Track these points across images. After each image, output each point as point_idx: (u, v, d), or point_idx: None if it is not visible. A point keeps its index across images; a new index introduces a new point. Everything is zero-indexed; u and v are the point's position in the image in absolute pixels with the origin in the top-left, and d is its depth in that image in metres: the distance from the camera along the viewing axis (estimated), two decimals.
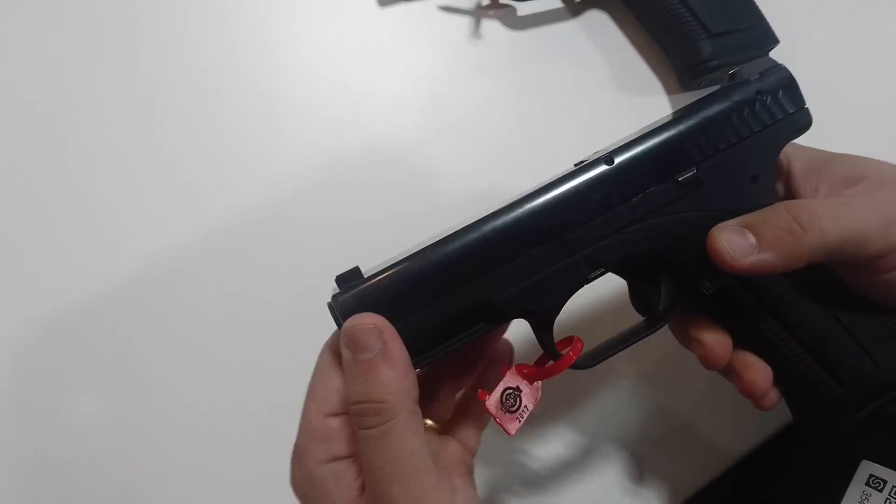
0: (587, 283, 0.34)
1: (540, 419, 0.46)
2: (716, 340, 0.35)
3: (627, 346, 0.36)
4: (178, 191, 0.49)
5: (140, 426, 0.45)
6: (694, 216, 0.34)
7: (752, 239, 0.31)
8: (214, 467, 0.45)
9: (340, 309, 0.31)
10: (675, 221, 0.34)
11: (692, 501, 0.45)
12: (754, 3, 0.51)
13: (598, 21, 0.55)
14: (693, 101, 0.34)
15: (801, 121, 0.35)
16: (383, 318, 0.30)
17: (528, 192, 0.33)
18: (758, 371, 0.36)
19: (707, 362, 0.36)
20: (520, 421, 0.33)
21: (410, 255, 0.32)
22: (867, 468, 0.36)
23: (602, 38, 0.55)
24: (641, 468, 0.46)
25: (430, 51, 0.54)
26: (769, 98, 0.34)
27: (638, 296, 0.38)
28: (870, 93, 0.53)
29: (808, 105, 0.34)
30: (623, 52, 0.55)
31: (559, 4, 0.55)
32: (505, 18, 0.55)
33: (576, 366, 0.34)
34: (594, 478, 0.45)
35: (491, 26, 0.55)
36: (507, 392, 0.34)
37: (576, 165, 0.34)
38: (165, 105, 0.51)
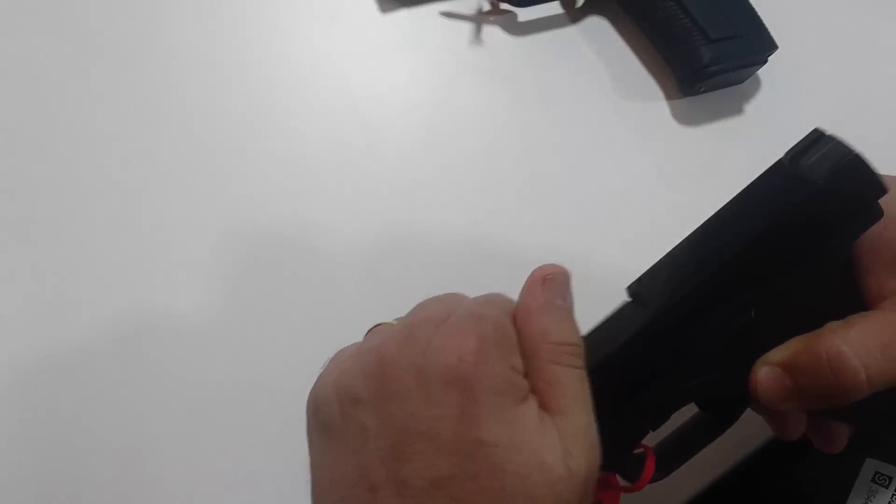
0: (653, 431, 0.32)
1: None
2: (788, 424, 0.34)
3: (703, 447, 0.33)
4: (176, 194, 0.50)
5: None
6: (755, 353, 0.30)
7: (788, 383, 0.30)
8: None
9: None
10: (734, 361, 0.30)
11: (696, 501, 0.45)
12: (753, 9, 0.51)
13: (598, 27, 0.56)
14: (746, 191, 0.30)
15: (872, 217, 0.29)
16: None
17: (593, 347, 0.29)
18: (837, 436, 0.34)
19: (782, 435, 0.35)
20: None
21: None
22: (872, 465, 0.36)
23: (602, 43, 0.55)
24: None
25: (432, 56, 0.54)
26: (840, 201, 0.28)
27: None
28: (870, 98, 0.54)
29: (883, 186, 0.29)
30: (623, 57, 0.55)
31: (559, 10, 0.56)
32: (506, 24, 0.55)
33: (654, 480, 0.32)
34: None
35: (492, 32, 0.55)
36: None
37: (628, 292, 0.31)
38: (164, 110, 0.52)
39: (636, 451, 0.32)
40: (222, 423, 0.45)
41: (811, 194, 0.28)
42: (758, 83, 0.54)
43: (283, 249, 0.49)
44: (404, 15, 0.55)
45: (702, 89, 0.52)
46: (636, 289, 0.31)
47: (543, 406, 0.27)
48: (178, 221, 0.49)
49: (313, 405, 0.29)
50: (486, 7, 0.55)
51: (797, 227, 0.28)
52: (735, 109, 0.54)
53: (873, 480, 0.36)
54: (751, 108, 0.54)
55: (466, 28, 0.55)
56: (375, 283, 0.47)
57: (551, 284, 0.29)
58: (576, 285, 0.30)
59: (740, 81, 0.54)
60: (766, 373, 0.30)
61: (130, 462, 0.43)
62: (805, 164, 0.28)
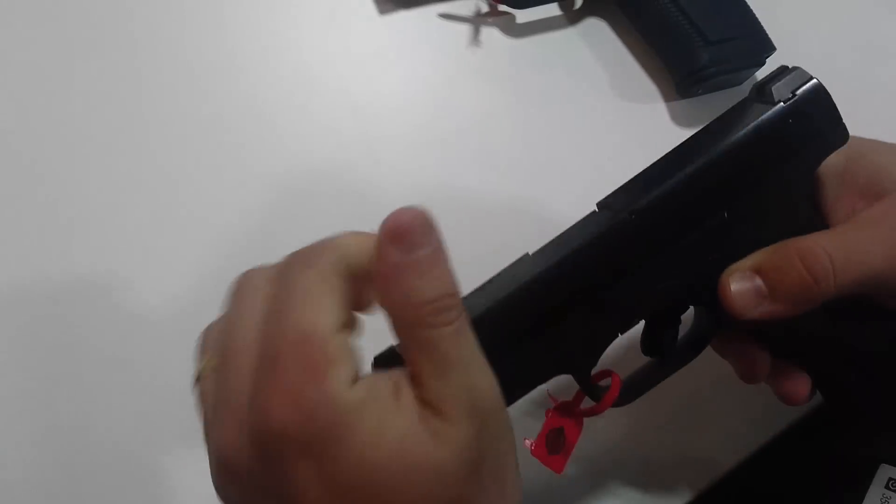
0: (621, 333, 0.33)
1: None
2: (752, 360, 0.35)
3: (663, 378, 0.35)
4: (174, 196, 0.50)
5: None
6: (724, 257, 0.32)
7: (762, 287, 0.31)
8: None
9: None
10: (705, 264, 0.32)
11: (699, 500, 0.44)
12: (751, 11, 0.51)
13: (596, 29, 0.56)
14: (715, 120, 0.32)
15: (837, 140, 0.32)
16: (424, 209, 0.26)
17: (553, 251, 0.30)
18: (798, 383, 0.35)
19: (745, 379, 0.36)
20: (566, 457, 0.33)
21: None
22: (886, 471, 0.36)
23: (600, 45, 0.55)
24: (647, 463, 0.45)
25: (430, 58, 0.54)
26: (800, 123, 0.31)
27: (652, 337, 0.36)
28: (868, 99, 0.54)
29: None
30: (621, 59, 0.55)
31: (558, 12, 0.56)
32: (504, 26, 0.55)
33: (616, 404, 0.33)
34: (591, 482, 0.46)
35: (490, 34, 0.55)
36: (551, 434, 0.33)
37: (598, 206, 0.32)
38: (162, 112, 0.52)
39: (602, 381, 0.33)
40: None
41: (775, 112, 0.31)
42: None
43: (279, 249, 0.49)
44: (402, 16, 0.55)
45: (699, 91, 0.52)
46: (606, 202, 0.32)
47: (419, 375, 0.25)
48: (174, 224, 0.49)
49: None
50: (485, 9, 0.55)
51: (763, 143, 0.31)
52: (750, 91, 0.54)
53: (887, 486, 0.36)
54: None
55: (465, 30, 0.55)
56: None
57: (403, 239, 0.25)
58: None
59: (738, 83, 0.54)
60: (737, 278, 0.31)
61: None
62: (769, 89, 0.32)
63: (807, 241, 0.31)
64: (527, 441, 0.33)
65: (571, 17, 0.56)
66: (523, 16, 0.55)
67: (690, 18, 0.50)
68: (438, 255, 0.25)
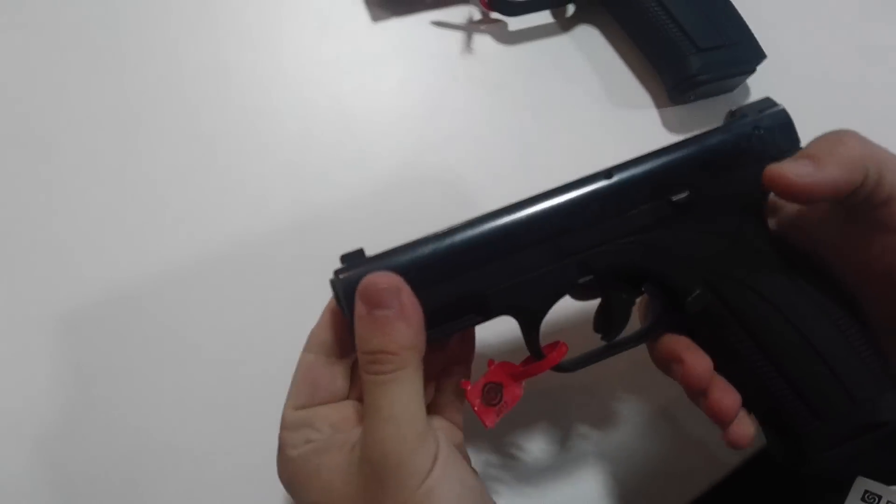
0: (575, 288, 0.36)
1: (527, 428, 0.46)
2: (696, 359, 0.36)
3: (610, 355, 0.38)
4: (169, 206, 0.50)
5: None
6: (684, 235, 0.35)
7: (809, 162, 0.32)
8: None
9: (342, 286, 0.33)
10: (664, 237, 0.35)
11: None
12: (742, 18, 0.52)
13: (588, 36, 0.56)
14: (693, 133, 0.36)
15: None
16: (400, 279, 0.32)
17: (531, 196, 0.35)
18: (726, 392, 0.35)
19: (687, 381, 0.36)
20: (498, 415, 0.35)
21: (413, 242, 0.34)
22: (862, 484, 0.36)
23: (592, 52, 0.56)
24: (628, 479, 0.46)
25: (423, 65, 0.55)
26: (765, 133, 0.35)
27: (605, 315, 0.39)
28: (858, 106, 0.54)
29: (802, 144, 0.35)
30: (613, 66, 0.55)
31: (550, 20, 0.56)
32: (497, 33, 0.56)
33: (558, 368, 0.36)
34: (580, 486, 0.46)
35: (483, 41, 0.55)
36: (489, 386, 0.35)
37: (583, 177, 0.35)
38: (156, 120, 0.52)
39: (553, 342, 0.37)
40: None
41: (744, 123, 0.36)
42: (746, 91, 0.55)
43: (277, 254, 0.49)
44: (395, 24, 0.55)
45: (691, 98, 0.53)
46: (608, 170, 0.35)
47: (361, 411, 0.32)
48: (167, 233, 0.49)
49: None
50: (477, 16, 0.56)
51: (729, 143, 0.35)
52: (723, 117, 0.54)
53: (863, 499, 0.36)
54: None
55: (458, 37, 0.55)
56: None
57: (370, 299, 0.31)
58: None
59: (729, 90, 0.54)
60: (788, 161, 0.33)
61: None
62: (740, 110, 0.37)
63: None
64: (465, 383, 0.35)
65: (564, 24, 0.56)
66: (516, 23, 0.56)
67: (681, 26, 0.50)
68: (395, 318, 0.31)
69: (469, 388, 0.35)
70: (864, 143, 0.32)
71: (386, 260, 0.33)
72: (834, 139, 0.33)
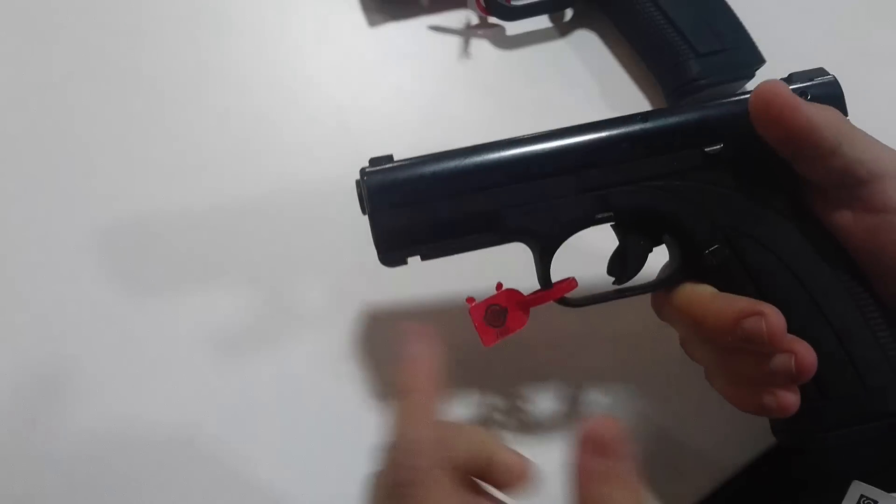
0: (593, 224, 0.36)
1: (537, 383, 0.45)
2: (774, 311, 0.33)
3: (618, 298, 0.38)
4: (178, 200, 0.50)
5: None
6: (711, 188, 0.35)
7: (798, 99, 0.33)
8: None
9: (368, 183, 0.34)
10: (691, 189, 0.35)
11: None
12: (741, 23, 0.51)
13: (586, 40, 0.56)
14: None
15: None
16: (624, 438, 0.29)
17: (563, 127, 0.36)
18: (804, 343, 0.33)
19: (771, 334, 0.33)
20: (499, 337, 0.36)
21: (444, 153, 0.35)
22: (858, 488, 0.36)
23: (591, 57, 0.55)
24: None
25: (421, 70, 0.54)
26: (813, 100, 0.35)
27: (620, 259, 0.39)
28: (858, 110, 0.53)
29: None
30: (612, 71, 0.55)
31: (548, 24, 0.56)
32: (494, 38, 0.55)
33: (565, 301, 0.37)
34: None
35: (480, 46, 0.55)
36: (493, 307, 0.36)
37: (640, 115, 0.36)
38: (155, 120, 0.52)
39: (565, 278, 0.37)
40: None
41: (795, 87, 0.36)
42: None
43: (270, 263, 0.48)
44: (393, 29, 0.55)
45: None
46: (645, 113, 0.36)
47: None
48: (160, 235, 0.49)
49: None
50: (475, 21, 0.55)
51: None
52: None
53: (859, 503, 0.36)
54: None
55: (455, 42, 0.55)
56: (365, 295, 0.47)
57: (601, 448, 0.29)
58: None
59: (728, 95, 0.53)
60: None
61: None
62: (793, 75, 0.37)
63: None
64: (470, 300, 0.36)
65: (562, 28, 0.56)
66: (513, 28, 0.55)
67: (680, 30, 0.50)
68: (627, 469, 0.28)
69: (473, 304, 0.36)
70: (844, 120, 0.34)
71: (412, 167, 0.34)
72: (824, 107, 0.34)
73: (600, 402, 0.46)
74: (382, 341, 0.46)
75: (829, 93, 0.36)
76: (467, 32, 0.55)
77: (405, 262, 0.36)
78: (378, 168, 0.35)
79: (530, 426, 0.45)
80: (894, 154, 0.33)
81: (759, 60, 0.51)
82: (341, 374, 0.46)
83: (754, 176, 0.35)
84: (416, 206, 0.35)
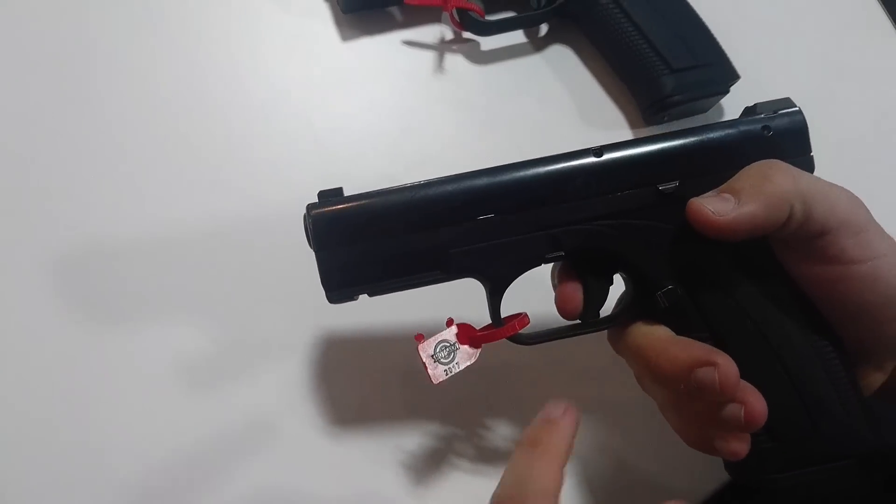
0: (544, 263, 0.35)
1: (500, 410, 0.45)
2: (727, 360, 0.33)
3: (569, 336, 0.37)
4: (136, 225, 0.48)
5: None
6: (665, 228, 0.34)
7: (730, 198, 0.32)
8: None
9: (313, 221, 0.33)
10: (645, 228, 0.34)
11: None
12: (715, 39, 0.51)
13: (561, 56, 0.55)
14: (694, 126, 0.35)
15: (803, 166, 0.34)
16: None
17: (515, 162, 0.34)
18: (756, 393, 0.33)
19: (724, 385, 0.32)
20: (447, 374, 0.35)
21: (392, 189, 0.34)
22: None
23: (566, 72, 0.55)
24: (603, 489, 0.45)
25: (394, 85, 0.54)
26: (774, 136, 0.34)
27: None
28: (832, 126, 0.54)
29: (813, 153, 0.34)
30: (587, 86, 0.55)
31: (523, 39, 0.56)
32: (469, 53, 0.55)
33: (516, 339, 0.36)
34: None
35: (455, 61, 0.54)
36: (443, 343, 0.35)
37: (593, 151, 0.35)
38: (126, 137, 0.50)
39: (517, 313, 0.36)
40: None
41: (754, 121, 0.34)
42: (721, 112, 0.54)
43: (241, 277, 0.47)
44: (366, 43, 0.54)
45: (665, 118, 0.52)
46: (598, 148, 0.34)
47: None
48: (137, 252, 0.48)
49: None
50: (449, 36, 0.55)
51: (733, 141, 0.34)
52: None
53: None
54: None
55: (429, 57, 0.54)
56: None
57: None
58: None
59: (704, 111, 0.54)
60: (708, 196, 0.32)
61: None
62: (756, 107, 0.35)
63: (768, 160, 0.33)
64: (419, 337, 0.35)
65: (537, 44, 0.56)
66: (488, 43, 0.55)
67: (655, 46, 0.50)
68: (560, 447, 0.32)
69: (422, 342, 0.35)
70: (790, 177, 0.31)
71: (358, 204, 0.33)
72: (760, 174, 0.32)
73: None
74: (347, 368, 0.45)
75: (792, 126, 0.34)
76: (441, 47, 0.55)
77: (354, 299, 0.36)
78: (324, 204, 0.34)
79: (488, 455, 0.44)
80: (850, 200, 0.32)
81: (733, 76, 0.51)
82: (302, 404, 0.45)
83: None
84: (362, 243, 0.34)
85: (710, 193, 0.33)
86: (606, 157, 0.34)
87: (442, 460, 0.44)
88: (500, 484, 0.31)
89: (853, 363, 0.34)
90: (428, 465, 0.44)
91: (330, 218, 0.33)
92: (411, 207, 0.33)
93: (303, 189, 0.49)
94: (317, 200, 0.34)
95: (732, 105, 0.54)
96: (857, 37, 0.57)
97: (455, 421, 0.45)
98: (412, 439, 0.44)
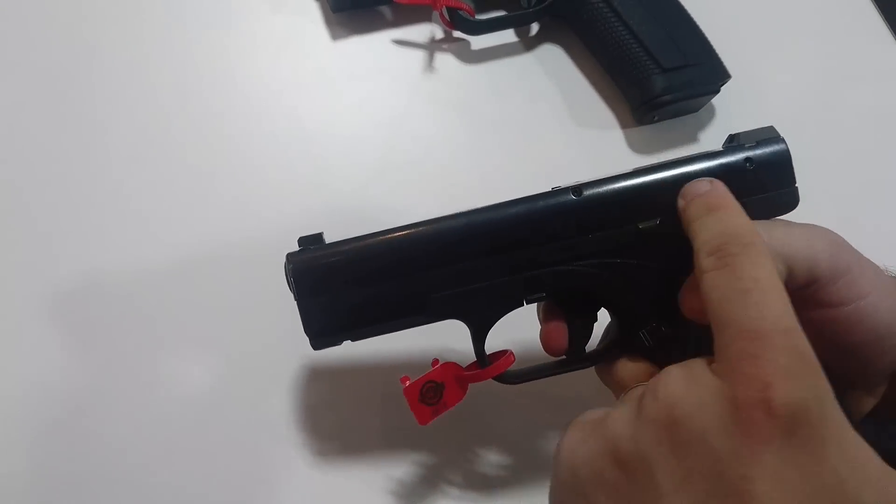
0: (525, 305, 0.35)
1: (491, 438, 0.44)
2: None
3: (556, 374, 0.37)
4: (125, 223, 0.48)
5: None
6: (646, 267, 0.33)
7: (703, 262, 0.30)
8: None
9: (293, 270, 0.33)
10: (627, 267, 0.33)
11: None
12: (706, 38, 0.51)
13: (552, 55, 0.55)
14: (681, 156, 0.34)
15: (787, 199, 0.34)
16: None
17: (493, 204, 0.34)
18: None
19: None
20: (434, 415, 0.35)
21: (372, 235, 0.34)
22: None
23: (557, 72, 0.55)
24: None
25: (384, 85, 0.53)
26: (757, 169, 0.33)
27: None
28: (823, 126, 0.54)
29: (798, 185, 0.34)
30: (578, 86, 0.54)
31: (514, 38, 0.55)
32: (459, 52, 0.54)
33: (502, 379, 0.36)
34: None
35: (445, 60, 0.54)
36: (429, 385, 0.35)
37: (552, 189, 0.34)
38: (115, 137, 0.50)
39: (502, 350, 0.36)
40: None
41: (734, 151, 0.33)
42: (712, 112, 0.54)
43: (234, 278, 0.47)
44: (356, 42, 0.54)
45: (656, 118, 0.52)
46: (577, 187, 0.34)
47: None
48: (123, 252, 0.47)
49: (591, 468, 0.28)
50: (439, 35, 0.55)
51: (724, 175, 0.32)
52: (690, 138, 0.53)
53: None
54: (705, 136, 0.53)
55: (419, 56, 0.54)
56: None
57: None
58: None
59: (695, 110, 0.53)
60: (688, 285, 0.31)
61: None
62: (738, 136, 0.34)
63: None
64: (405, 379, 0.35)
65: (528, 43, 0.55)
66: (478, 42, 0.55)
67: (645, 46, 0.49)
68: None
69: (407, 384, 0.35)
70: (779, 235, 0.30)
71: (338, 252, 0.33)
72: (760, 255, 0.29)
73: (549, 458, 0.44)
74: (333, 396, 0.45)
75: (775, 158, 0.33)
76: (432, 46, 0.54)
77: (338, 344, 0.35)
78: (304, 253, 0.34)
79: (476, 482, 0.44)
80: (830, 245, 0.31)
81: (724, 76, 0.51)
82: (288, 433, 0.44)
83: (682, 240, 0.32)
84: (343, 291, 0.34)
85: (691, 280, 0.31)
86: (584, 195, 0.33)
87: (432, 488, 0.43)
88: (699, 244, 0.29)
89: (842, 391, 0.34)
90: (417, 494, 0.43)
91: (310, 267, 0.33)
92: (389, 254, 0.33)
93: (289, 188, 0.49)
94: (297, 248, 0.34)
95: (724, 105, 0.54)
96: (849, 37, 0.57)
97: (443, 448, 0.44)
98: (401, 468, 0.43)
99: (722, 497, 0.24)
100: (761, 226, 0.30)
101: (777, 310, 0.26)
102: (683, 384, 0.27)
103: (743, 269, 0.27)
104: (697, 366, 0.27)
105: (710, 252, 0.28)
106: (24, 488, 0.42)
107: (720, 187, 0.31)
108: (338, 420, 0.45)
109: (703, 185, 0.31)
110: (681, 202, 0.32)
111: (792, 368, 0.24)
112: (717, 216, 0.30)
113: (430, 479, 0.43)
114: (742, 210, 0.30)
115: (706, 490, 0.24)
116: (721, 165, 0.33)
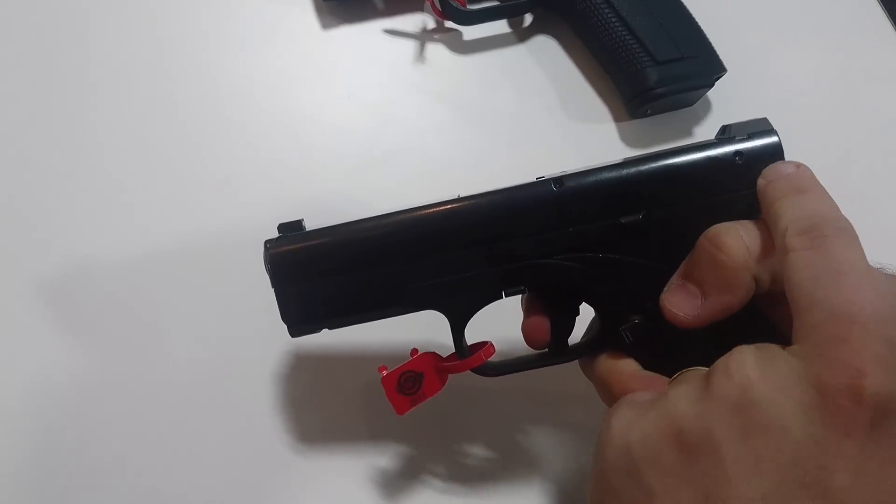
0: (504, 298, 0.34)
1: (475, 433, 0.44)
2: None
3: (535, 367, 0.36)
4: (114, 214, 0.48)
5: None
6: (629, 262, 0.32)
7: (695, 292, 0.30)
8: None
9: (270, 257, 0.33)
10: (609, 262, 0.33)
11: None
12: (701, 31, 0.50)
13: (545, 47, 0.54)
14: (682, 145, 0.33)
15: None
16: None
17: (475, 194, 0.33)
18: None
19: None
20: (412, 405, 0.35)
21: (351, 223, 0.33)
22: None
23: (550, 63, 0.54)
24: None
25: (375, 74, 0.53)
26: (745, 163, 0.32)
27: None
28: (818, 121, 0.53)
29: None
30: (571, 78, 0.54)
31: (506, 29, 0.55)
32: (451, 43, 0.54)
33: (481, 371, 0.35)
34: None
35: (437, 50, 0.53)
36: (407, 375, 0.34)
37: (536, 179, 0.33)
38: (101, 126, 0.50)
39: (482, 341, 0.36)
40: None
41: (724, 143, 0.32)
42: (707, 105, 0.53)
43: (219, 267, 0.46)
44: (346, 31, 0.53)
45: (649, 111, 0.51)
46: (559, 178, 0.33)
47: None
48: (114, 244, 0.47)
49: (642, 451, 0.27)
50: (431, 25, 0.54)
51: (702, 168, 0.32)
52: (684, 132, 0.52)
53: None
54: (700, 130, 0.52)
55: (410, 46, 0.53)
56: None
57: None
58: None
59: (689, 104, 0.52)
60: (668, 289, 0.31)
61: None
62: (730, 127, 0.33)
63: (715, 226, 0.31)
64: (382, 368, 0.35)
65: (520, 34, 0.55)
66: (471, 32, 0.54)
67: (639, 38, 0.49)
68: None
69: (385, 374, 0.34)
70: (744, 248, 0.29)
71: (316, 240, 0.33)
72: (712, 252, 0.30)
73: (533, 452, 0.44)
74: (316, 385, 0.45)
75: (766, 152, 0.32)
76: (423, 36, 0.54)
77: (316, 332, 0.35)
78: (282, 240, 0.34)
79: (459, 472, 0.43)
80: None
81: (719, 69, 0.50)
82: (273, 421, 0.44)
83: (677, 246, 0.32)
84: (320, 279, 0.33)
85: (674, 282, 0.31)
86: (565, 186, 0.32)
87: (414, 478, 0.43)
88: (786, 223, 0.28)
89: None
90: (400, 483, 0.43)
91: (288, 255, 0.33)
92: (368, 243, 0.33)
93: (277, 176, 0.49)
94: (277, 234, 0.34)
95: (718, 98, 0.53)
96: (850, 29, 0.56)
97: (426, 438, 0.44)
98: (384, 457, 0.43)
99: (796, 488, 0.23)
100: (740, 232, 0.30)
101: (871, 295, 0.24)
102: (759, 364, 0.25)
103: (837, 250, 0.26)
104: (772, 347, 0.26)
105: (800, 232, 0.27)
106: (14, 472, 0.42)
107: (807, 171, 0.30)
108: (321, 408, 0.44)
109: (790, 167, 0.30)
110: (761, 182, 0.30)
111: (885, 358, 0.23)
112: (806, 197, 0.29)
113: (412, 469, 0.43)
114: (831, 197, 0.29)
115: (778, 479, 0.23)
116: (709, 159, 0.32)
